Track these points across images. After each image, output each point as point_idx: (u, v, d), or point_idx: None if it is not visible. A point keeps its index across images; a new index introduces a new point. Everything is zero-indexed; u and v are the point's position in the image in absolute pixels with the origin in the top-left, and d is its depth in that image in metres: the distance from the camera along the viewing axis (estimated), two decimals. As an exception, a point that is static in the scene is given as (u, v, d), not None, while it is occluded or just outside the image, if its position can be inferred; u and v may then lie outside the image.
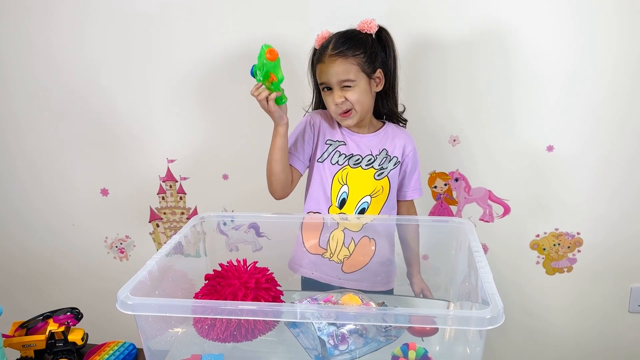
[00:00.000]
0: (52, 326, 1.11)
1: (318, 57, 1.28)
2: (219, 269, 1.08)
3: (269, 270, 1.10)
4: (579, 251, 1.74)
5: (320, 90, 1.32)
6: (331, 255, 1.33)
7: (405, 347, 0.95)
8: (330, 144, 1.34)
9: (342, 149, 1.34)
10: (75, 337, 1.11)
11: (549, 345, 1.87)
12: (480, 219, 1.74)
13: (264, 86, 1.19)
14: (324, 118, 1.36)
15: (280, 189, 1.31)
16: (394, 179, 1.36)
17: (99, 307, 1.56)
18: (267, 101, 1.19)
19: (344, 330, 1.00)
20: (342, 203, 1.33)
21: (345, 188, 1.33)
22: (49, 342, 1.10)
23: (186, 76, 1.70)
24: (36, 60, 1.73)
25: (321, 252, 1.34)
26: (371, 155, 1.34)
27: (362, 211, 1.34)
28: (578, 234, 1.72)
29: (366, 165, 1.33)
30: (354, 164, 1.33)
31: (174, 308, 0.88)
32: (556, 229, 1.72)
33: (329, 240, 1.32)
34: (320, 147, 1.35)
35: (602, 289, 1.77)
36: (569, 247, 1.74)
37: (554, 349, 1.87)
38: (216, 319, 0.97)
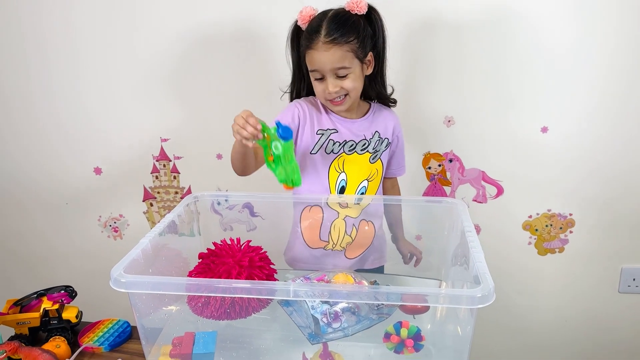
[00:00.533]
0: (47, 304, 1.11)
1: (308, 42, 1.19)
2: (213, 248, 1.09)
3: (262, 249, 1.10)
4: (570, 232, 1.75)
5: (310, 76, 1.24)
6: (334, 246, 1.32)
7: (399, 325, 0.96)
8: (322, 134, 1.28)
9: (334, 136, 1.28)
10: (69, 314, 1.12)
11: (539, 325, 1.90)
12: (474, 200, 1.75)
13: (260, 129, 1.04)
14: (311, 107, 1.29)
15: (242, 173, 1.25)
16: (385, 160, 1.35)
17: (93, 285, 1.56)
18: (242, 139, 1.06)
19: (337, 308, 1.01)
20: (342, 191, 1.31)
21: (343, 175, 1.30)
22: (43, 319, 1.10)
23: (180, 54, 1.68)
24: (26, 38, 1.70)
25: (323, 245, 1.32)
26: (365, 139, 1.30)
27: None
28: (570, 215, 1.73)
29: (361, 150, 1.30)
30: (349, 150, 1.29)
31: (168, 286, 0.88)
32: (549, 210, 1.73)
33: (330, 231, 1.31)
34: (311, 138, 1.28)
35: (593, 269, 1.79)
36: (561, 228, 1.75)
37: (545, 328, 1.90)
38: (210, 297, 0.98)
